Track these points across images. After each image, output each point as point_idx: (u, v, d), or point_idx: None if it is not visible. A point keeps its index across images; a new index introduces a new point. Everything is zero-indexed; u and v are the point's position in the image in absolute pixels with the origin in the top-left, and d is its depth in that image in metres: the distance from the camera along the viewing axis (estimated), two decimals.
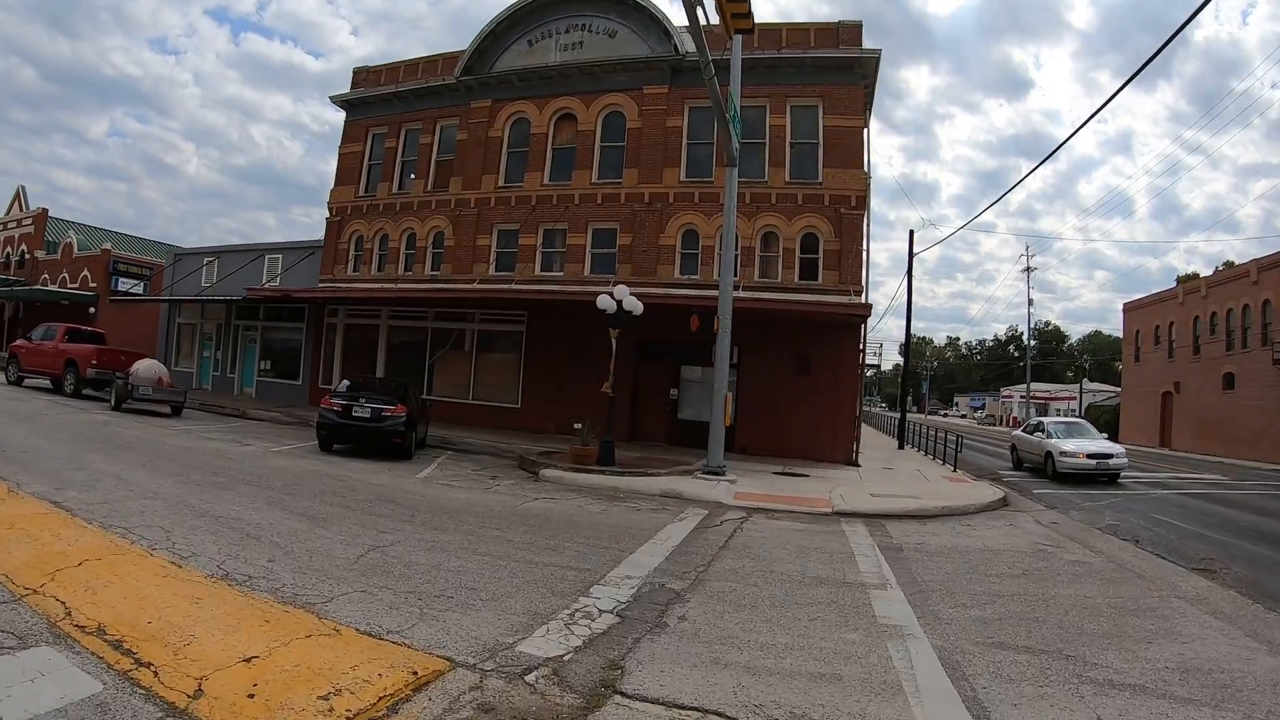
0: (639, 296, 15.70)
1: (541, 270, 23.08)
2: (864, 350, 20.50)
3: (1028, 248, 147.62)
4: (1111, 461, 19.65)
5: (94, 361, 22.19)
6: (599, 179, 22.77)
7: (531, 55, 24.01)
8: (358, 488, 10.97)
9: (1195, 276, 58.49)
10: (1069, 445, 20.12)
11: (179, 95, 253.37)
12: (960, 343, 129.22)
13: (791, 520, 11.19)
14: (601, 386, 15.12)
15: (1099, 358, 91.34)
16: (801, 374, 19.80)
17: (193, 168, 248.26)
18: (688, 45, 21.89)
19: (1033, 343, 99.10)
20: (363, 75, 28.03)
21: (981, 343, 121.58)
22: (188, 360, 31.68)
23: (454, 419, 22.97)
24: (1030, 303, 74.69)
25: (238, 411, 22.79)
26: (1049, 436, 21.28)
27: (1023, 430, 24.69)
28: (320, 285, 26.00)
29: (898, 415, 48.03)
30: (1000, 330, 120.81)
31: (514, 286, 21.59)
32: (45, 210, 42.63)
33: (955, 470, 20.50)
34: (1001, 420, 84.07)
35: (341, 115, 27.93)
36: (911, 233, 28.84)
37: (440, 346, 24.31)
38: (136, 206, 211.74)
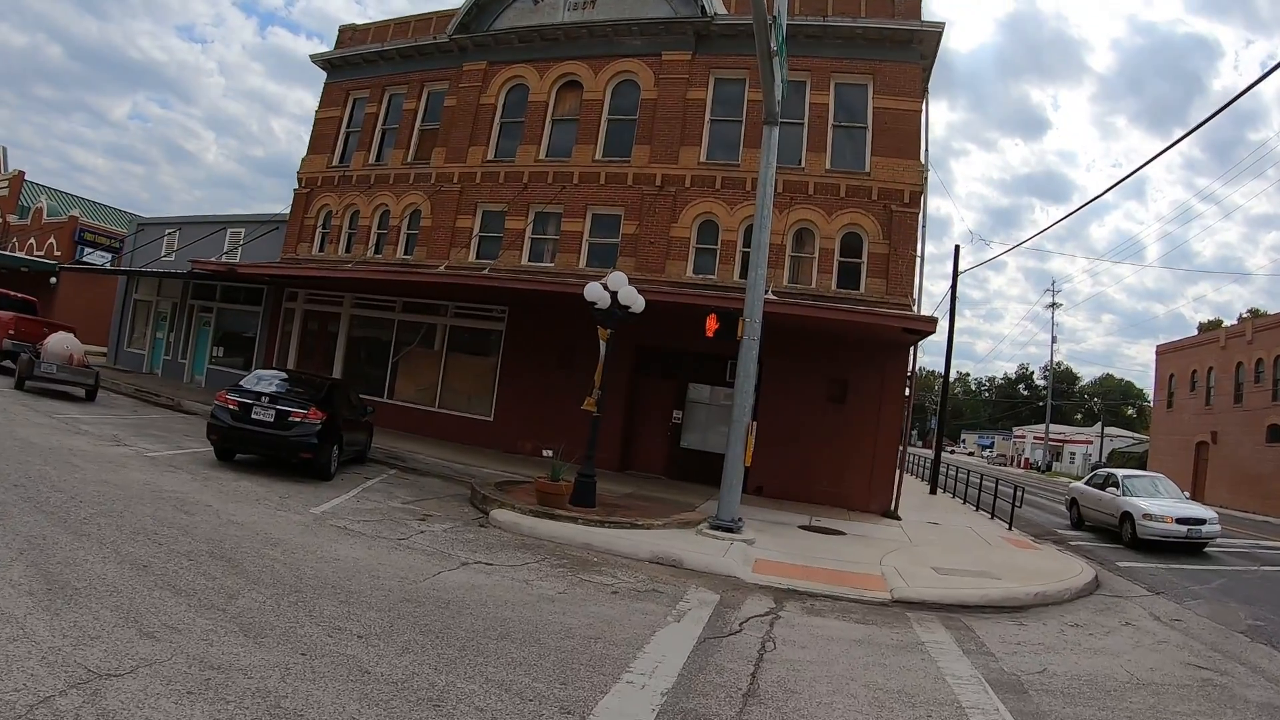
0: (645, 296, 12.21)
1: (530, 261, 19.57)
2: (912, 377, 16.91)
3: (1053, 283, 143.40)
4: (1204, 529, 16.04)
5: (11, 331, 19.26)
6: (603, 156, 19.29)
7: (536, 14, 20.61)
8: (199, 528, 7.42)
9: (1219, 324, 55.27)
10: (1153, 506, 16.43)
11: (203, 83, 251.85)
12: (969, 378, 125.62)
13: (841, 617, 7.59)
14: (584, 402, 11.54)
15: (1109, 402, 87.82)
16: (836, 402, 16.20)
17: (212, 156, 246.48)
18: (716, 6, 18.53)
19: (1043, 381, 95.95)
20: (348, 34, 24.69)
21: (992, 380, 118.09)
22: (141, 341, 28.33)
23: (416, 429, 19.46)
24: (1054, 340, 71.10)
25: (172, 402, 19.37)
26: (1125, 494, 17.61)
27: (1086, 483, 20.95)
28: (268, 262, 22.52)
29: (919, 452, 44.51)
30: (1009, 368, 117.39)
31: (489, 274, 18.03)
32: (22, 173, 39.86)
33: (1011, 529, 16.90)
34: (1012, 461, 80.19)
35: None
36: (957, 248, 25.78)
37: (406, 343, 20.78)
38: (153, 190, 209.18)
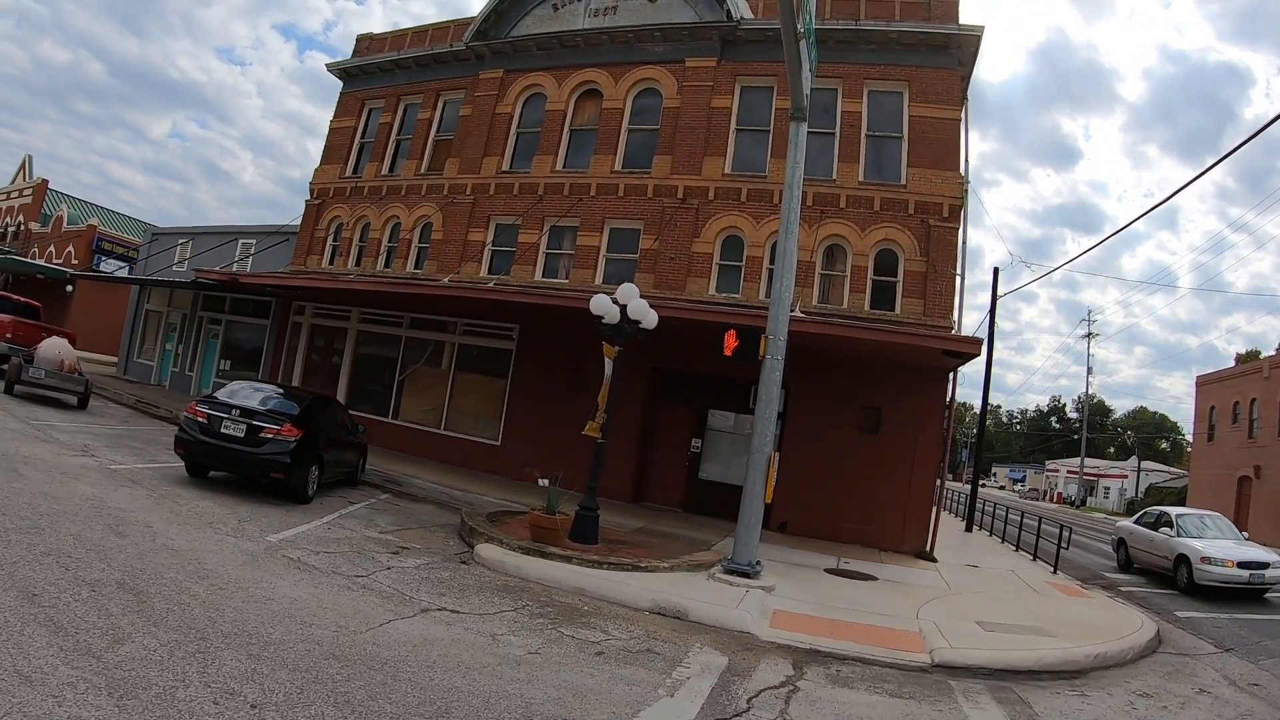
0: (660, 313, 11.11)
1: (544, 277, 18.55)
2: (950, 406, 15.53)
3: (1089, 312, 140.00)
4: (1267, 573, 14.42)
5: (9, 334, 18.78)
6: (623, 167, 18.29)
7: (556, 21, 19.79)
8: (122, 553, 6.42)
9: (1256, 355, 52.94)
10: (1211, 549, 14.85)
11: (241, 104, 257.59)
12: (1000, 410, 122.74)
13: (873, 688, 6.29)
14: (585, 427, 10.38)
15: (1143, 435, 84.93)
16: (868, 432, 14.87)
17: (248, 176, 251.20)
18: (743, 10, 17.55)
19: (1075, 414, 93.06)
20: (366, 43, 24.10)
21: (1023, 412, 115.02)
22: (151, 352, 27.73)
23: (420, 451, 18.41)
24: (1090, 370, 68.89)
25: (170, 415, 18.44)
26: (1180, 534, 16.01)
27: (1136, 522, 19.28)
28: (270, 273, 21.76)
29: (951, 486, 42.56)
30: (1040, 400, 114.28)
31: (494, 286, 16.99)
32: (45, 181, 40.01)
33: (1056, 572, 15.38)
34: (1045, 495, 77.31)
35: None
36: (996, 270, 24.14)
37: (413, 361, 19.81)
38: (190, 207, 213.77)
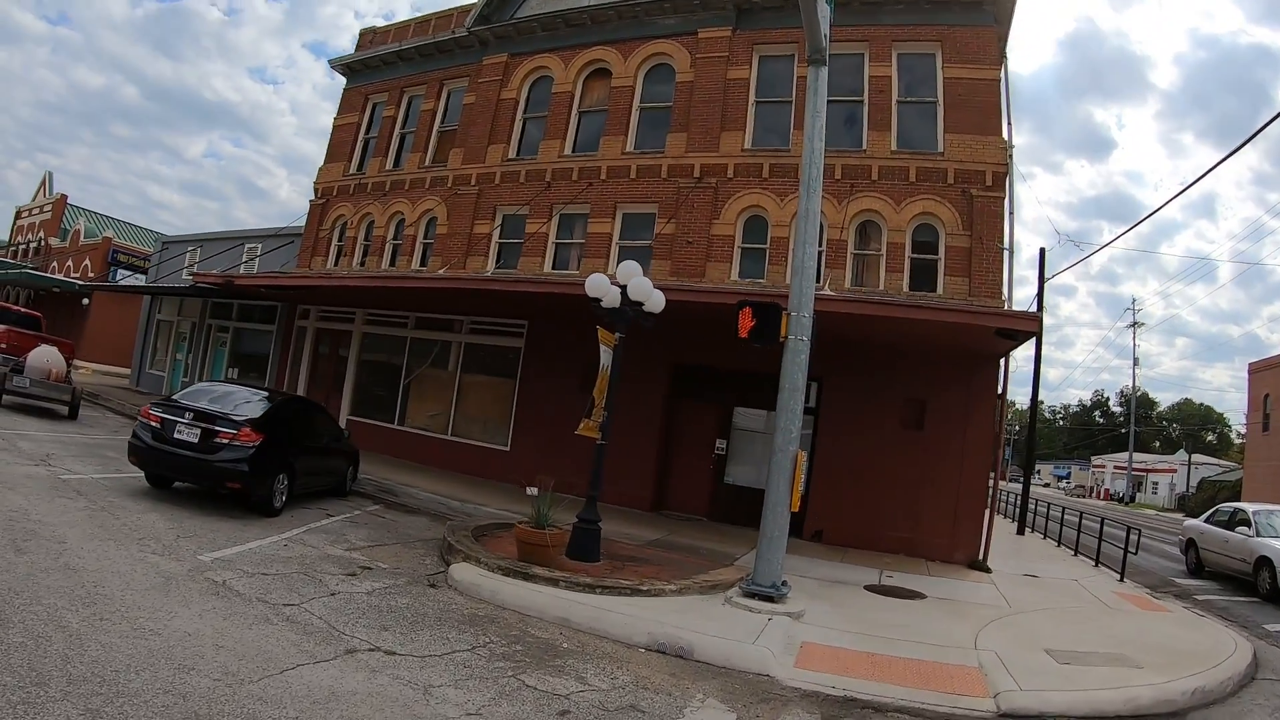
0: (677, 299, 9.75)
1: (554, 269, 17.27)
2: (1004, 397, 13.85)
3: (1134, 300, 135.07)
4: None
5: (3, 345, 18.37)
6: (635, 148, 16.93)
7: (560, 1, 18.55)
8: (4, 571, 5.22)
9: None
10: None
11: (275, 122, 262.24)
12: (1042, 406, 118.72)
13: None
14: (580, 425, 9.02)
15: (1189, 428, 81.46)
16: (912, 428, 13.28)
17: (284, 192, 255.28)
18: None
19: (1120, 408, 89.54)
20: (369, 37, 23.10)
21: (1066, 408, 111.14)
22: (163, 363, 27.05)
23: (426, 459, 17.23)
24: (1136, 362, 65.72)
25: None
26: (1259, 534, 14.22)
27: (1207, 521, 17.41)
28: (265, 273, 20.79)
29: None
30: (1082, 395, 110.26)
31: (493, 276, 15.71)
32: (64, 196, 39.98)
33: (1123, 579, 13.65)
34: (1091, 492, 74.03)
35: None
36: (1043, 251, 21.96)
37: (419, 363, 18.63)
38: (228, 224, 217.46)
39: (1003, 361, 13.52)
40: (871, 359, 13.28)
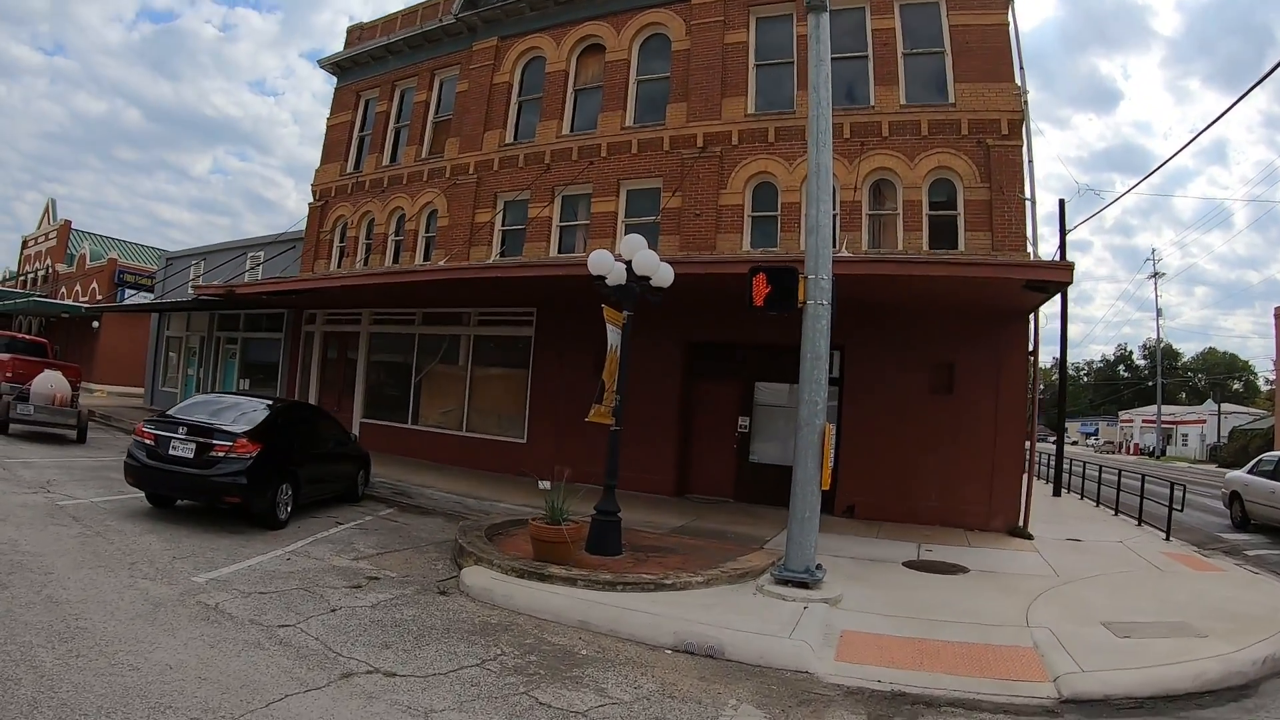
0: (687, 273, 9.20)
1: (560, 253, 16.74)
2: (1035, 354, 13.17)
3: (1153, 251, 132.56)
4: None
5: (9, 374, 18.19)
6: (634, 122, 16.32)
7: None
8: None
9: None
10: None
11: (278, 134, 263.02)
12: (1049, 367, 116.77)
13: None
14: (590, 412, 8.52)
15: (1214, 377, 79.92)
16: (940, 392, 12.66)
17: (292, 202, 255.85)
18: None
19: (1144, 362, 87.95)
20: (356, 33, 22.57)
21: (1090, 364, 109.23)
22: (175, 380, 26.86)
23: (442, 457, 16.84)
24: (1159, 313, 64.35)
25: None
26: None
27: (1250, 472, 16.70)
28: (265, 279, 20.43)
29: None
30: (1104, 351, 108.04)
31: (492, 263, 15.21)
32: (68, 222, 39.85)
33: (1169, 539, 12.98)
34: (1120, 447, 72.59)
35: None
36: (1062, 202, 21.35)
37: (429, 359, 18.19)
38: (238, 238, 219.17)
39: (1031, 317, 12.87)
40: (894, 323, 12.65)
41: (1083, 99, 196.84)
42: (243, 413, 9.44)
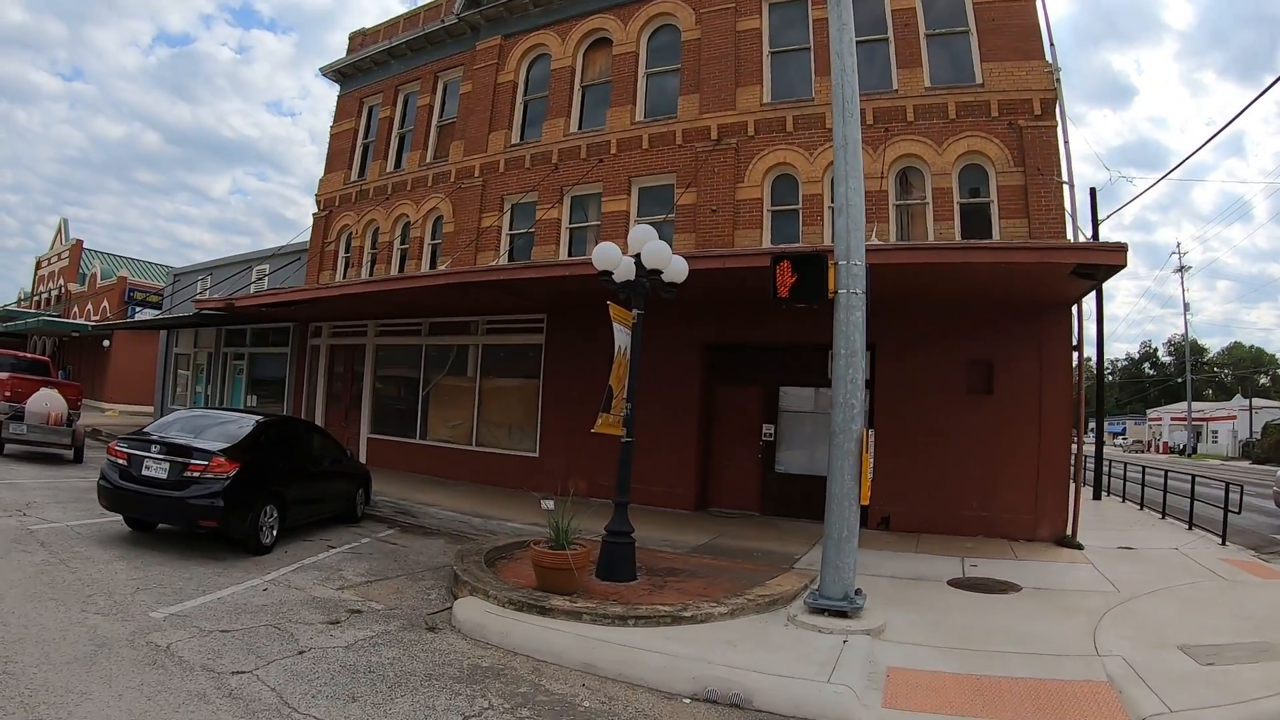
0: (703, 268, 8.42)
1: (571, 255, 15.97)
2: (1080, 347, 12.19)
3: (1178, 245, 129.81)
4: None
5: (8, 393, 17.74)
6: (645, 117, 15.57)
7: None
8: None
9: None
10: None
11: (296, 153, 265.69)
12: (1089, 363, 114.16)
13: None
14: (598, 421, 7.71)
15: (1240, 372, 77.95)
16: (979, 392, 11.73)
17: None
18: None
19: (1169, 359, 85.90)
20: (359, 39, 22.05)
21: (1114, 363, 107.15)
22: (183, 397, 26.38)
23: (451, 472, 16.11)
24: (1186, 307, 62.50)
25: None
26: None
27: None
28: (265, 291, 19.84)
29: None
30: (1129, 349, 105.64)
31: (495, 266, 14.46)
32: (80, 242, 39.85)
33: (1224, 544, 12.06)
34: (1150, 446, 70.70)
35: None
36: (1094, 191, 20.60)
37: (437, 371, 17.47)
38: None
39: (1075, 309, 11.94)
40: (927, 319, 11.76)
41: (1098, 95, 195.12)
42: (224, 429, 8.72)
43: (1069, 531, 11.45)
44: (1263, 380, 77.47)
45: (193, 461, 7.84)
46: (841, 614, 6.16)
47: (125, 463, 8.11)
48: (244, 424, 8.89)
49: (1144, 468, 21.41)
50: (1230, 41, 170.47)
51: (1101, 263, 8.67)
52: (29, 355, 21.03)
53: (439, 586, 7.52)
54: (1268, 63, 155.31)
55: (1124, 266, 8.74)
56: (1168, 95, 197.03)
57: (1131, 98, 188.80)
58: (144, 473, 7.96)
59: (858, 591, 6.36)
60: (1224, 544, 12.11)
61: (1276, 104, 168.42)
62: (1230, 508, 12.53)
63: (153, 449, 8.03)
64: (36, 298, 41.93)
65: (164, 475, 7.88)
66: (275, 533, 8.63)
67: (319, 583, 7.37)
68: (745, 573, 7.97)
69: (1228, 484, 13.21)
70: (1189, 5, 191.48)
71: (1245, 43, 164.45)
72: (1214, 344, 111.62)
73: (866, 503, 6.37)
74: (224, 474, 7.82)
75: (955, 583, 8.51)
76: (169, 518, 8.08)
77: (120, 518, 8.88)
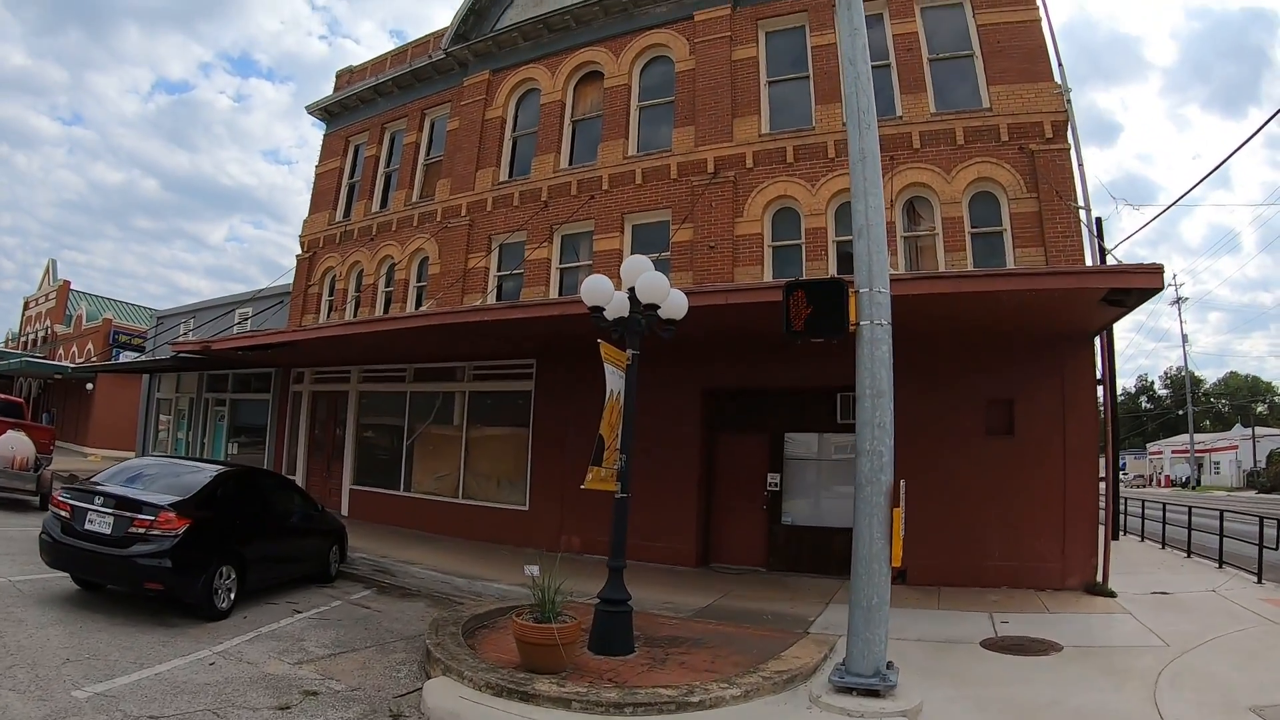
0: (704, 304, 7.75)
1: (561, 296, 15.28)
2: (1105, 382, 11.42)
3: (1174, 276, 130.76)
4: None
5: None
6: (638, 151, 15.04)
7: (540, 6, 16.86)
8: None
9: None
10: None
11: (293, 201, 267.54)
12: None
13: None
14: (588, 476, 6.89)
15: (1237, 401, 77.70)
16: (999, 434, 10.95)
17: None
18: None
19: (1166, 391, 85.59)
20: (345, 77, 21.68)
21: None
22: (165, 443, 25.45)
23: (436, 526, 15.21)
24: (1185, 339, 62.42)
25: None
26: None
27: None
28: (242, 334, 19.11)
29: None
30: (1126, 384, 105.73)
31: (477, 306, 13.76)
32: (67, 283, 39.50)
33: (1260, 581, 11.46)
34: (1151, 480, 69.72)
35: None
36: (1099, 220, 19.60)
37: (422, 419, 16.64)
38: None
39: (1099, 342, 11.26)
40: (940, 356, 11.02)
41: (1084, 133, 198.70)
42: (180, 480, 7.90)
43: (1099, 578, 10.63)
44: (1260, 409, 77.22)
45: (139, 516, 7.04)
46: (873, 693, 5.31)
47: (68, 515, 7.31)
48: (201, 475, 8.08)
49: (1163, 504, 20.62)
50: (1212, 75, 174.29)
51: (1137, 286, 7.97)
52: (2, 396, 20.23)
53: (411, 661, 6.65)
54: (1251, 94, 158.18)
55: (1160, 289, 8.09)
56: (1153, 131, 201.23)
57: (1118, 134, 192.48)
58: (87, 527, 7.15)
59: (889, 665, 5.52)
60: (1259, 582, 11.46)
61: (1263, 135, 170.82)
62: (1265, 544, 11.86)
63: (97, 501, 7.23)
64: (23, 338, 41.40)
65: (108, 531, 7.07)
66: (233, 596, 7.76)
67: (275, 655, 6.50)
68: (756, 640, 7.11)
69: (1262, 518, 12.51)
70: (1171, 41, 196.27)
71: (1227, 75, 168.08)
72: (1209, 375, 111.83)
73: (899, 565, 5.55)
74: (172, 530, 7.00)
75: (989, 644, 7.66)
76: (112, 578, 7.27)
77: (68, 575, 8.04)
